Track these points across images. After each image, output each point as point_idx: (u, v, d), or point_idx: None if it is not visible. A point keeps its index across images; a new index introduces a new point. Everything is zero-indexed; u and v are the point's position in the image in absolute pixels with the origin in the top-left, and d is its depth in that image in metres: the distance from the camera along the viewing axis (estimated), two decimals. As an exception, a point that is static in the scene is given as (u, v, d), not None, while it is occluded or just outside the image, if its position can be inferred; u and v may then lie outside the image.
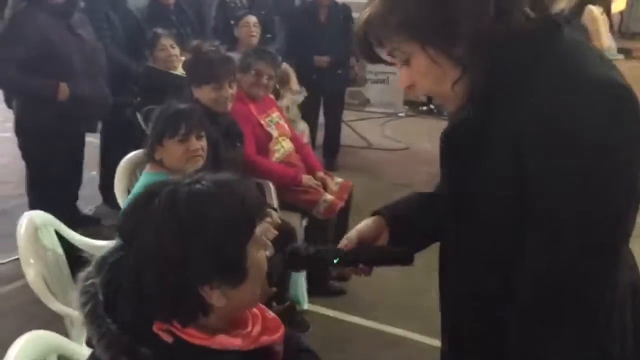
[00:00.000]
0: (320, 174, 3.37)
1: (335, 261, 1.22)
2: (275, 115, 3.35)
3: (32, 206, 3.38)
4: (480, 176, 1.04)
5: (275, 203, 3.07)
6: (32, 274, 1.93)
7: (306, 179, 3.22)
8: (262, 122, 3.23)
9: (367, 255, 1.27)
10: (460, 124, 1.08)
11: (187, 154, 2.14)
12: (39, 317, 2.92)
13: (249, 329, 1.15)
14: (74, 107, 3.12)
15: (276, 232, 2.69)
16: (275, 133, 3.27)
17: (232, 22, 4.93)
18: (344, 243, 1.26)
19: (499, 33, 0.95)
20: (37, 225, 2.06)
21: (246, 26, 4.48)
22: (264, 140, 3.21)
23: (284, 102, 4.36)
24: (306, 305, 3.17)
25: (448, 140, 1.12)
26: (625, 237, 0.99)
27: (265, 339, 1.14)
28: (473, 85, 1.01)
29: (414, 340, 2.99)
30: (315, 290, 3.28)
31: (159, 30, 3.98)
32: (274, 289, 2.79)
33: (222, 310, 1.08)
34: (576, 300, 0.96)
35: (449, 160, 1.14)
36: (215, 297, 1.06)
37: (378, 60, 1.10)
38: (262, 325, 1.16)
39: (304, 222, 3.23)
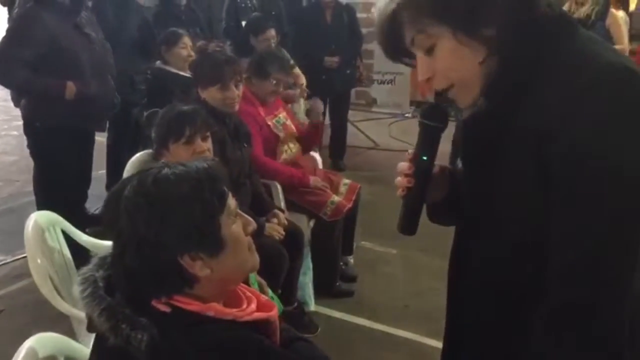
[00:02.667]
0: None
1: (424, 157, 1.17)
2: (282, 116, 3.34)
3: (40, 206, 3.38)
4: (501, 165, 1.05)
5: (282, 204, 3.07)
6: (39, 274, 1.93)
7: (313, 180, 3.21)
8: (270, 123, 3.23)
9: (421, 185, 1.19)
10: (481, 113, 1.09)
11: (194, 157, 2.12)
12: (45, 316, 2.92)
13: (244, 306, 1.21)
14: (83, 106, 3.11)
15: (284, 233, 2.70)
16: (282, 134, 3.26)
17: (242, 22, 4.94)
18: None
19: (524, 18, 0.98)
20: (43, 226, 2.06)
21: (266, 40, 4.33)
22: (272, 142, 3.21)
23: (299, 106, 4.37)
24: (313, 307, 3.16)
25: (468, 129, 1.13)
26: None
27: (259, 314, 1.21)
28: (498, 69, 1.02)
29: (418, 342, 2.98)
30: (323, 292, 3.28)
31: (180, 30, 3.99)
32: (279, 291, 2.81)
33: (209, 282, 1.14)
34: (608, 285, 0.95)
35: (468, 148, 1.16)
36: (198, 268, 1.13)
37: (398, 55, 1.12)
38: (257, 305, 1.23)
39: (311, 224, 3.22)
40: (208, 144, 2.19)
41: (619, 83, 0.93)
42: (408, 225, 1.19)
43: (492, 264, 1.12)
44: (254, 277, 2.22)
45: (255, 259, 1.24)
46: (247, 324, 1.18)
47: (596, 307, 0.95)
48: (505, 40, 0.99)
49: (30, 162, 4.16)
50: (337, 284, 3.37)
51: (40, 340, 1.36)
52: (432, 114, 1.15)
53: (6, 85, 3.28)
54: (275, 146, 3.21)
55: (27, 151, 3.55)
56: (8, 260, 3.70)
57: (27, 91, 3.21)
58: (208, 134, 2.19)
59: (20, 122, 3.60)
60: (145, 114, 3.09)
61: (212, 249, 1.14)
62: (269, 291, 2.35)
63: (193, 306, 1.13)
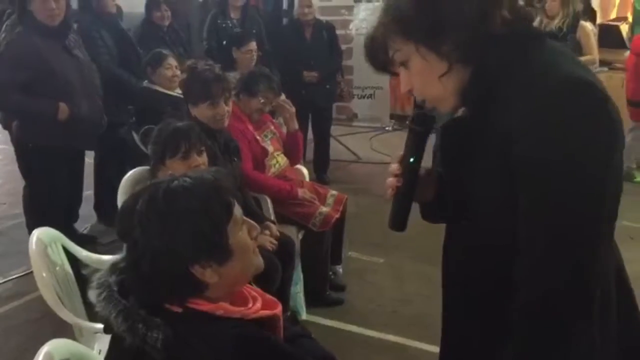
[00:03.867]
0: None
1: (412, 159, 1.26)
2: (269, 130, 3.44)
3: (30, 226, 3.42)
4: (475, 169, 1.15)
5: (272, 216, 3.16)
6: (44, 287, 1.99)
7: (301, 192, 3.31)
8: (258, 137, 3.32)
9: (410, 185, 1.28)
10: (457, 120, 1.21)
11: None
12: (42, 334, 2.97)
13: (250, 305, 1.29)
14: (73, 126, 3.19)
15: (276, 243, 2.79)
16: (270, 148, 3.36)
17: (224, 42, 5.04)
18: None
19: (480, 33, 1.08)
20: (45, 242, 2.13)
21: (249, 52, 4.53)
22: (260, 156, 3.30)
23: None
24: (305, 316, 3.24)
25: (444, 135, 1.24)
26: (608, 223, 1.09)
27: (265, 312, 1.29)
28: (461, 82, 1.13)
29: (407, 346, 3.06)
30: (314, 301, 3.36)
31: (164, 51, 4.09)
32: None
33: (218, 286, 1.23)
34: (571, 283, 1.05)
35: (445, 153, 1.26)
36: (208, 275, 1.21)
37: (383, 67, 1.23)
38: (262, 303, 1.32)
39: (300, 235, 3.31)
40: (203, 158, 2.28)
41: (575, 93, 1.03)
42: (398, 222, 1.29)
43: (471, 264, 1.22)
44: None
45: (259, 260, 1.33)
46: (254, 321, 1.26)
47: (563, 300, 1.06)
48: (466, 54, 1.10)
49: (16, 185, 4.21)
50: (327, 293, 3.46)
51: (55, 345, 1.44)
52: (419, 119, 1.26)
53: (1, 109, 3.34)
54: (264, 160, 3.30)
55: (12, 174, 3.60)
56: (0, 282, 3.72)
57: (20, 113, 3.28)
58: (203, 148, 2.28)
59: (3, 146, 3.65)
60: (139, 131, 3.17)
61: (221, 257, 1.21)
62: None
63: (203, 306, 1.21)
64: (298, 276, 3.20)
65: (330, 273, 3.58)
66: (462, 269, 1.25)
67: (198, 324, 1.20)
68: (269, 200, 3.20)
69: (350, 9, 7.49)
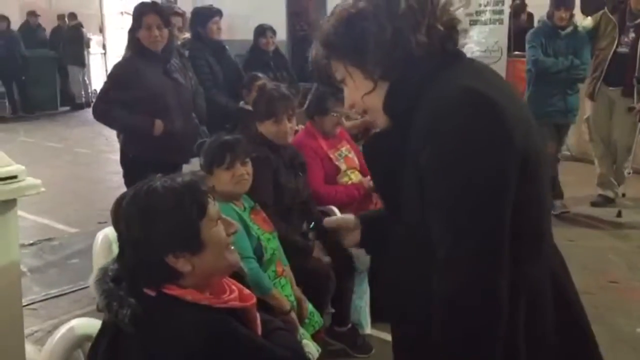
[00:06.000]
0: None
1: (310, 225, 1.45)
2: (344, 149, 3.56)
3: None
4: (396, 179, 1.23)
5: (340, 230, 3.26)
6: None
7: (366, 181, 3.39)
8: (332, 156, 3.46)
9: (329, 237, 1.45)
10: (377, 136, 1.30)
11: (234, 179, 2.43)
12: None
13: (225, 296, 1.42)
14: (167, 140, 3.54)
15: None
16: (343, 166, 3.47)
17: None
18: (327, 219, 1.46)
19: (398, 54, 1.17)
20: (111, 238, 2.40)
21: None
22: (333, 173, 3.43)
23: None
24: (369, 330, 3.29)
25: (369, 151, 1.34)
26: (520, 224, 1.11)
27: (234, 303, 1.42)
28: (384, 98, 1.22)
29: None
30: (382, 317, 3.40)
31: (259, 74, 4.41)
32: (331, 310, 3.00)
33: (193, 275, 1.38)
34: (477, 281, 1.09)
35: (372, 168, 1.36)
36: (181, 264, 1.36)
37: (333, 86, 1.34)
38: (238, 295, 1.44)
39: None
40: (248, 168, 2.47)
41: (465, 102, 1.10)
42: None
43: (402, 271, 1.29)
44: (288, 289, 2.46)
45: (233, 256, 1.46)
46: (223, 310, 1.39)
47: (467, 301, 1.09)
48: (386, 73, 1.19)
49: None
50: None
51: (80, 322, 1.66)
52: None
53: (105, 123, 3.80)
54: (335, 177, 3.43)
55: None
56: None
57: (121, 128, 3.73)
58: (247, 159, 2.48)
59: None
60: (197, 143, 3.46)
61: (193, 248, 1.38)
62: (309, 305, 2.57)
63: (174, 291, 1.37)
64: (363, 290, 3.26)
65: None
66: (395, 277, 1.31)
67: (167, 306, 1.36)
68: (337, 212, 3.29)
69: (464, 31, 7.41)
